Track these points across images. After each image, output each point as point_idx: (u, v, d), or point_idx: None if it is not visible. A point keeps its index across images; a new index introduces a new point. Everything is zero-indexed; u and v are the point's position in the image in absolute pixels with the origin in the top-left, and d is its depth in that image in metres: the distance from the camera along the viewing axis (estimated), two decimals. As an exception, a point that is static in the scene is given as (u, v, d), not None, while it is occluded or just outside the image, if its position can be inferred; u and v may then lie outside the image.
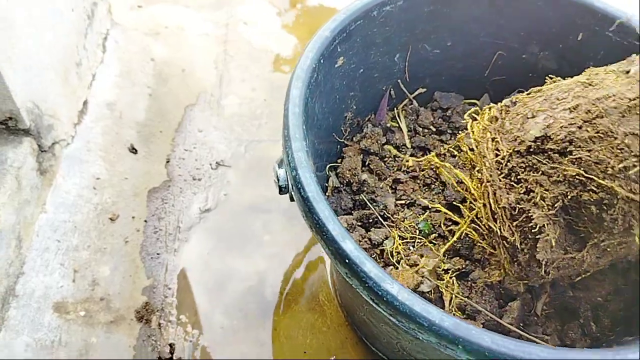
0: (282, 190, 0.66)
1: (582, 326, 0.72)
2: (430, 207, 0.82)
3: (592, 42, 0.74)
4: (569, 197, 0.58)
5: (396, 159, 0.89)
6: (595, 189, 0.56)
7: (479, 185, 0.67)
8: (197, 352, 0.91)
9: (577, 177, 0.57)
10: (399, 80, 0.92)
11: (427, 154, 0.89)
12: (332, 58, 0.75)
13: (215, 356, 0.91)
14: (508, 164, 0.63)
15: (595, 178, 0.56)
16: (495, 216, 0.64)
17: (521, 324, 0.72)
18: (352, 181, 0.85)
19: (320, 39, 0.72)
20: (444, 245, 0.79)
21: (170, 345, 0.91)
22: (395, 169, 0.88)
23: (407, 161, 0.88)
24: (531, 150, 0.61)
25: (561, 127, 0.59)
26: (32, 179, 0.93)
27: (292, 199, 0.66)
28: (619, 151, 0.55)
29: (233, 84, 1.26)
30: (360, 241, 0.78)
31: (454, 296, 0.73)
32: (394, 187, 0.86)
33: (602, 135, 0.56)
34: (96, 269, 0.97)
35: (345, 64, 0.79)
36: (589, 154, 0.57)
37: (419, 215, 0.82)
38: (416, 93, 0.94)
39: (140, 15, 1.35)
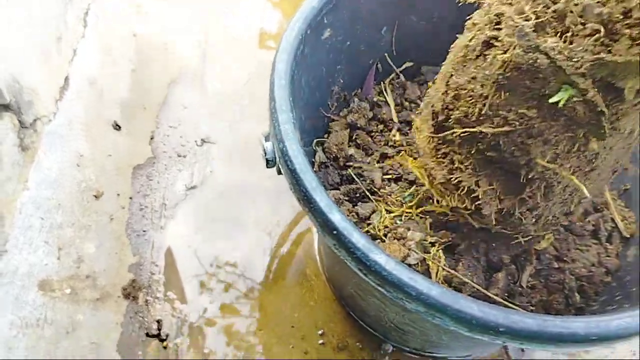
0: (269, 163, 0.66)
1: (566, 297, 0.73)
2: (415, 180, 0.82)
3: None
4: (474, 152, 0.63)
5: (383, 133, 0.89)
6: (480, 137, 0.61)
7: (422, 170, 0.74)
8: (185, 328, 0.91)
9: (463, 134, 0.62)
10: (385, 54, 0.91)
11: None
12: (318, 30, 0.74)
13: (202, 332, 0.91)
14: (432, 145, 0.70)
15: (471, 129, 0.61)
16: (441, 192, 0.70)
17: (507, 295, 0.73)
18: (339, 156, 0.85)
19: (307, 9, 0.71)
20: (430, 218, 0.79)
21: (158, 321, 0.91)
22: (382, 144, 0.88)
23: (394, 136, 0.88)
24: (436, 128, 0.68)
25: (439, 98, 0.66)
26: (13, 155, 0.92)
27: (279, 172, 0.65)
28: (470, 99, 0.60)
29: (217, 60, 1.25)
30: (347, 216, 0.77)
31: (440, 268, 0.73)
32: (380, 161, 0.86)
33: (457, 92, 0.62)
34: (81, 246, 0.96)
35: (332, 37, 0.78)
36: (458, 112, 0.62)
37: (406, 189, 0.82)
38: (403, 67, 0.94)
39: (122, -10, 1.32)
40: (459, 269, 0.73)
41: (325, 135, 0.88)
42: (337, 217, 0.56)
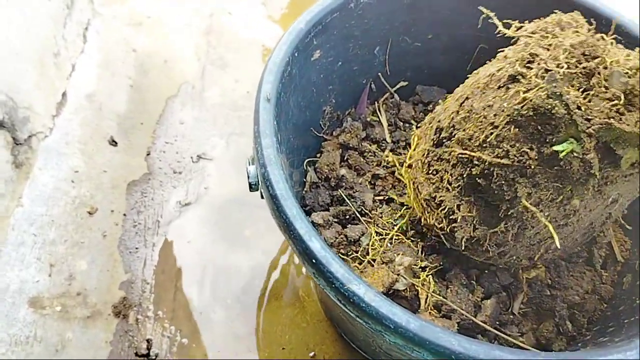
0: (252, 187, 0.65)
1: (557, 325, 0.71)
2: (397, 201, 0.82)
3: (574, 35, 0.73)
4: (465, 175, 0.64)
5: (376, 154, 0.88)
6: (476, 162, 0.62)
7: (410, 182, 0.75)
8: (174, 348, 0.90)
9: (461, 155, 0.64)
10: (379, 74, 0.90)
11: (408, 149, 0.88)
12: (307, 51, 0.74)
13: (192, 352, 0.90)
14: (426, 159, 0.71)
15: (470, 152, 0.62)
16: (422, 207, 0.72)
17: (497, 323, 0.72)
18: (330, 176, 0.84)
19: (294, 31, 0.71)
20: (422, 242, 0.77)
21: (148, 340, 0.90)
22: (374, 164, 0.87)
23: (387, 156, 0.87)
24: (435, 143, 0.69)
25: (447, 116, 0.68)
26: (6, 172, 0.92)
27: (262, 196, 0.64)
28: (479, 124, 0.61)
29: (216, 75, 1.25)
30: (336, 238, 0.76)
31: (429, 295, 0.72)
32: (372, 182, 0.85)
33: (468, 114, 0.64)
34: (73, 263, 0.95)
35: (322, 57, 0.78)
36: (464, 133, 0.63)
37: (397, 211, 0.81)
38: (397, 87, 0.93)
39: (123, 5, 1.32)
40: (448, 295, 0.72)
41: (318, 155, 0.87)
42: (316, 246, 0.55)
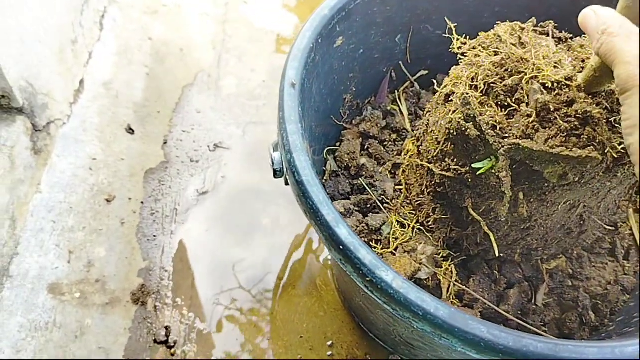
0: (277, 173, 0.65)
1: (580, 315, 0.71)
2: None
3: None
4: (433, 182, 0.69)
5: (396, 143, 0.87)
6: (433, 172, 0.67)
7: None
8: (193, 335, 0.91)
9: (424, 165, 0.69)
10: (400, 62, 0.89)
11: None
12: (330, 38, 0.73)
13: (210, 339, 0.90)
14: (413, 164, 0.75)
15: (428, 164, 0.67)
16: (413, 207, 0.76)
17: (519, 313, 0.71)
18: (350, 165, 0.83)
19: (318, 17, 0.70)
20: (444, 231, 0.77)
21: (166, 327, 0.91)
22: (395, 154, 0.86)
23: (407, 145, 0.86)
24: (417, 151, 0.74)
25: (422, 127, 0.73)
26: (26, 159, 0.92)
27: (287, 183, 0.64)
28: (431, 138, 0.66)
29: (232, 64, 1.24)
30: (357, 227, 0.76)
31: (452, 284, 0.72)
32: (393, 171, 0.84)
33: (427, 128, 0.69)
34: (92, 250, 0.96)
35: (345, 44, 0.77)
36: (424, 146, 0.69)
37: (418, 200, 0.80)
38: (418, 75, 0.92)
39: (139, -7, 1.32)
40: (470, 285, 0.72)
41: (337, 143, 0.86)
42: (343, 232, 0.55)
